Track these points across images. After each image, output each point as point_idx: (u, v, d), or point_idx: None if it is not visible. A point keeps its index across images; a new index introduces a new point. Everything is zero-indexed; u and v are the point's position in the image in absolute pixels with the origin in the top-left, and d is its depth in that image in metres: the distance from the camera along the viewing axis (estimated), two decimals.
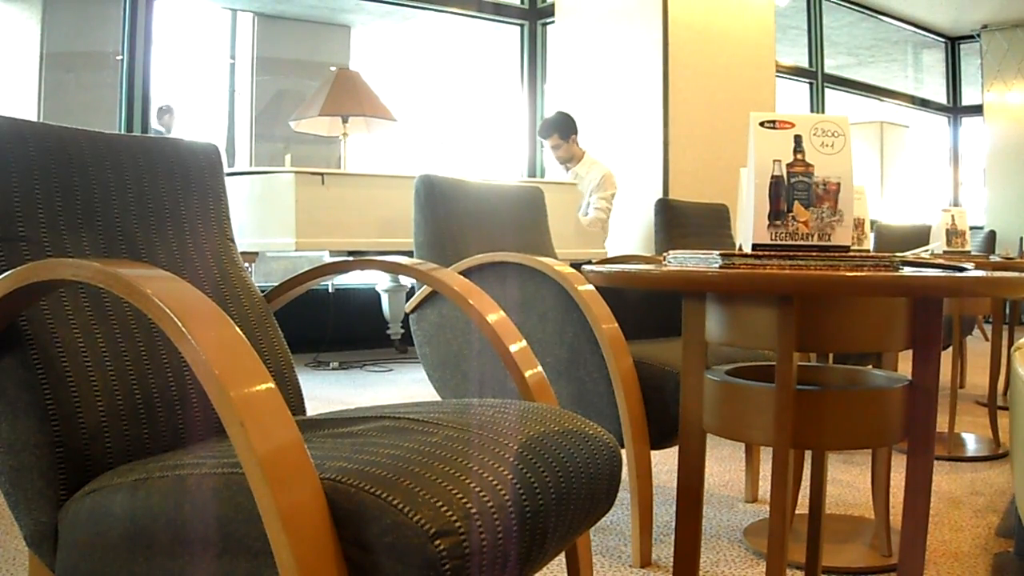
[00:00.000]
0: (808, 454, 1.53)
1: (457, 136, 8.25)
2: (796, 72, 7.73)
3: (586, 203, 4.78)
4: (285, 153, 4.44)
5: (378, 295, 5.07)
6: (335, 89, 4.78)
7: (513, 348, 1.36)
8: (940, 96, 9.63)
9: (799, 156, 1.16)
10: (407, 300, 2.50)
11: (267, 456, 0.80)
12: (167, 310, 0.87)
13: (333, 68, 5.12)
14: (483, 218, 2.39)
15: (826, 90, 7.93)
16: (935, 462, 1.82)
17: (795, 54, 7.80)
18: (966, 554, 1.90)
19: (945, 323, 2.51)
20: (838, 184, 1.15)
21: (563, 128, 4.85)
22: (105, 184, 1.35)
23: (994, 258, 3.98)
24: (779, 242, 1.15)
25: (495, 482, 0.90)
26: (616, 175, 4.82)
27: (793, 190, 1.15)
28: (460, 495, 0.85)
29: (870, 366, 1.55)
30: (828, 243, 1.15)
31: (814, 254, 1.12)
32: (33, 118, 1.49)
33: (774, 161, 1.16)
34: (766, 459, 2.11)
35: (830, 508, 2.24)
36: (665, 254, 1.30)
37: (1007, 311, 4.07)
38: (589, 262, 1.65)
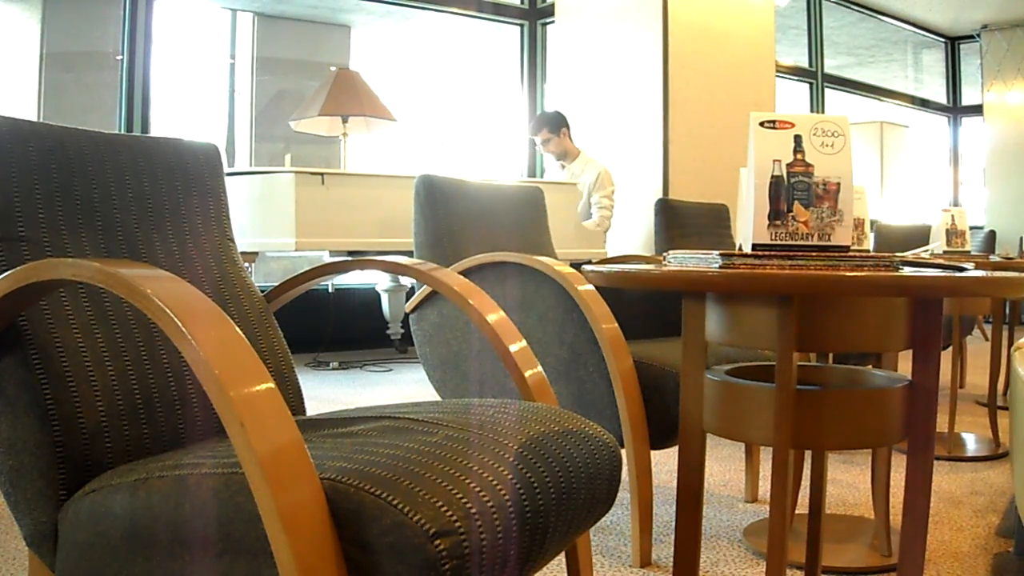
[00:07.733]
0: (808, 454, 1.53)
1: (457, 136, 8.25)
2: (796, 72, 7.73)
3: (584, 203, 4.78)
4: (285, 153, 4.43)
5: (378, 295, 5.07)
6: (335, 89, 4.78)
7: (513, 348, 1.36)
8: (940, 96, 9.63)
9: (799, 156, 1.16)
10: (407, 300, 2.50)
11: (267, 456, 0.80)
12: (167, 310, 0.87)
13: (333, 68, 5.12)
14: (483, 218, 2.39)
15: (826, 90, 7.92)
16: (935, 462, 1.82)
17: (795, 54, 7.80)
18: (966, 554, 1.90)
19: (945, 323, 2.51)
20: (838, 184, 1.15)
21: (552, 122, 4.84)
22: (105, 184, 1.35)
23: (994, 258, 3.98)
24: (779, 242, 1.15)
25: (495, 482, 0.90)
26: (613, 173, 4.82)
27: (793, 190, 1.15)
28: (460, 495, 0.85)
29: (870, 366, 1.55)
30: (828, 243, 1.15)
31: (814, 254, 1.12)
32: (33, 118, 1.49)
33: (774, 161, 1.16)
34: (766, 459, 2.11)
35: (830, 508, 2.24)
36: (665, 254, 1.30)
37: (1007, 311, 4.07)
38: (589, 262, 1.65)
